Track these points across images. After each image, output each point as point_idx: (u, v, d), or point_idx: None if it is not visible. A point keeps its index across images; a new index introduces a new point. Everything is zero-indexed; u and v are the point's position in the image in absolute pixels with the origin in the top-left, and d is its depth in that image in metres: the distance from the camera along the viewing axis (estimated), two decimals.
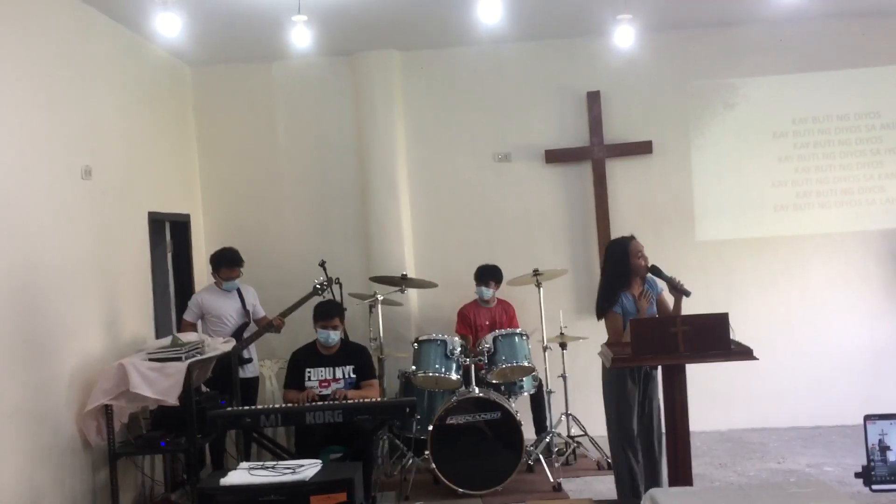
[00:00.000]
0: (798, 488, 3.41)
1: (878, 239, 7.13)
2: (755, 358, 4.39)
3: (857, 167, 7.16)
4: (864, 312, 7.13)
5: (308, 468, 4.40)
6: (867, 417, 2.40)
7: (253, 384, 6.28)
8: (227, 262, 6.23)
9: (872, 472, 2.40)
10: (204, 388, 5.97)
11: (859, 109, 7.14)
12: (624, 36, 6.04)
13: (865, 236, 7.14)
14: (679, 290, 4.97)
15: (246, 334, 6.24)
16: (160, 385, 4.97)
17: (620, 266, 5.05)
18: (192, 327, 6.28)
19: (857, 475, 2.47)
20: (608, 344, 4.98)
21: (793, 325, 7.15)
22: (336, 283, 6.48)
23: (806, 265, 7.20)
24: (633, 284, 5.08)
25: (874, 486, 2.45)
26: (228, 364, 6.06)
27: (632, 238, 5.14)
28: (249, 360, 6.25)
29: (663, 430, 4.81)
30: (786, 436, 6.84)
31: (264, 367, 6.72)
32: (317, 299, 6.06)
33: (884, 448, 2.38)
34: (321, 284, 6.24)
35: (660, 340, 4.39)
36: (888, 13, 6.99)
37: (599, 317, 5.11)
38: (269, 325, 6.24)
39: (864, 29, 7.07)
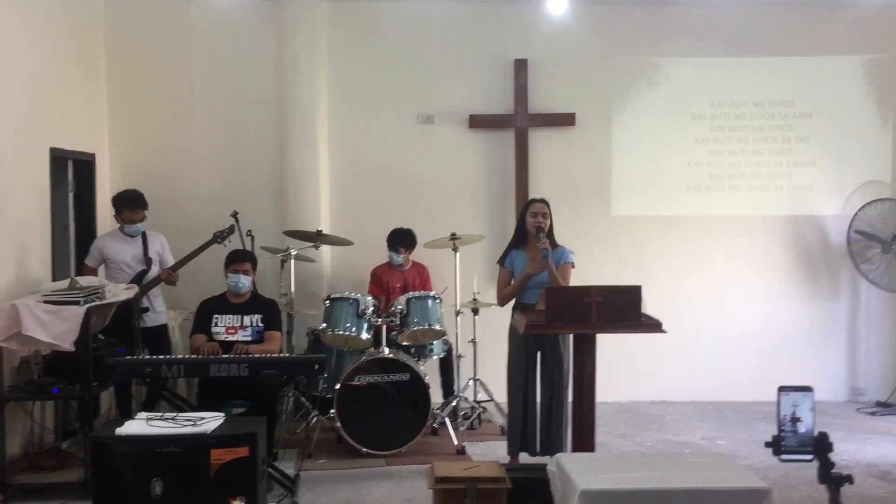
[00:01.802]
0: (698, 458, 3.51)
1: (782, 225, 7.38)
2: (664, 331, 4.48)
3: (769, 153, 7.37)
4: (764, 296, 7.39)
5: (210, 421, 4.28)
6: (781, 389, 2.45)
7: (158, 333, 5.99)
8: (128, 204, 5.93)
9: (782, 443, 2.45)
10: (100, 337, 5.75)
11: (775, 97, 7.34)
12: (556, 3, 6.01)
13: (771, 221, 7.38)
14: (540, 249, 5.10)
15: (145, 282, 5.97)
16: (55, 329, 4.73)
17: (519, 223, 5.41)
18: (94, 272, 6.00)
19: (767, 444, 2.52)
20: (521, 310, 5.02)
21: (696, 304, 7.35)
22: (248, 235, 6.29)
23: (713, 246, 7.40)
24: (533, 245, 5.27)
25: (783, 456, 2.51)
26: (129, 312, 5.82)
27: (538, 200, 5.41)
28: (146, 310, 5.96)
29: (570, 398, 4.92)
30: (683, 409, 7.06)
31: (170, 317, 6.46)
32: (217, 249, 5.85)
33: (795, 419, 2.43)
34: (221, 232, 6.00)
35: (573, 309, 4.42)
36: (810, 5, 7.19)
37: None
38: (157, 279, 5.94)
39: (786, 19, 7.26)
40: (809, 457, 2.53)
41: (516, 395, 5.30)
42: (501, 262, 5.42)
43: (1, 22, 5.23)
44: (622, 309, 4.45)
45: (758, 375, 7.27)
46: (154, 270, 5.99)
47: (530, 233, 5.29)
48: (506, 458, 5.42)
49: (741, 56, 7.31)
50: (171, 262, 6.08)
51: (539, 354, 5.29)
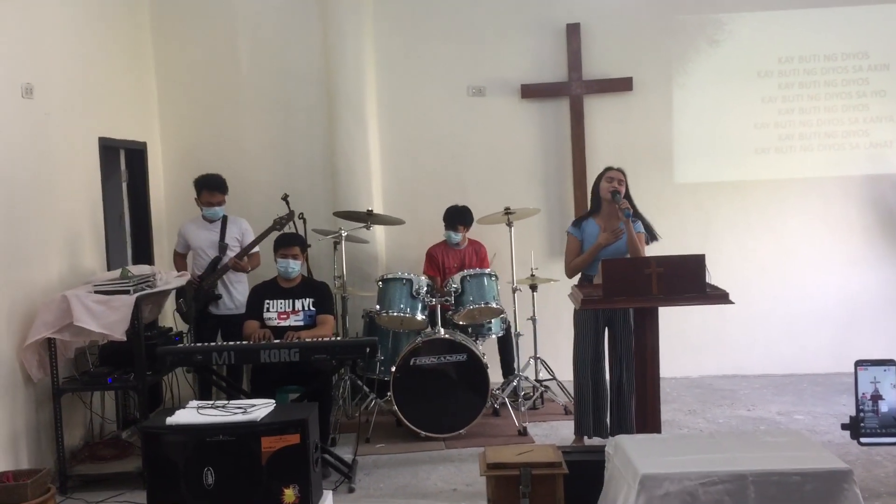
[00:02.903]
0: (771, 437, 3.24)
1: (860, 185, 6.94)
2: (731, 302, 4.20)
3: (842, 110, 6.93)
4: (841, 261, 6.99)
5: (260, 408, 4.18)
6: (858, 363, 2.19)
7: (234, 322, 5.79)
8: (206, 185, 5.87)
9: (862, 424, 2.18)
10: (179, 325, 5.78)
11: (847, 49, 6.88)
12: None
13: (847, 182, 6.95)
14: (620, 210, 4.86)
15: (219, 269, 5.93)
16: (106, 319, 4.71)
17: (594, 191, 5.14)
18: (182, 258, 6.07)
19: (844, 427, 2.27)
20: (578, 285, 4.80)
21: (768, 271, 6.99)
22: (300, 218, 6.18)
23: (784, 210, 7.02)
24: (605, 214, 5.04)
25: (863, 440, 2.23)
26: (205, 300, 5.81)
27: (615, 168, 5.13)
28: (219, 297, 5.91)
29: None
30: (756, 383, 6.73)
31: None
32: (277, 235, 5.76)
33: (875, 397, 2.17)
34: (281, 219, 5.90)
35: (632, 282, 4.18)
36: None
37: None
38: (225, 267, 5.85)
39: None
40: (894, 439, 2.25)
41: (584, 374, 5.06)
42: (571, 230, 5.16)
43: (47, 12, 5.20)
44: (685, 280, 4.17)
45: (836, 345, 6.90)
46: (229, 256, 5.93)
47: (605, 199, 5.03)
48: (570, 439, 5.23)
49: (809, 7, 6.87)
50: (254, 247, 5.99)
51: (607, 331, 5.05)
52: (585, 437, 5.11)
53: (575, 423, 5.18)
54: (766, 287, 6.94)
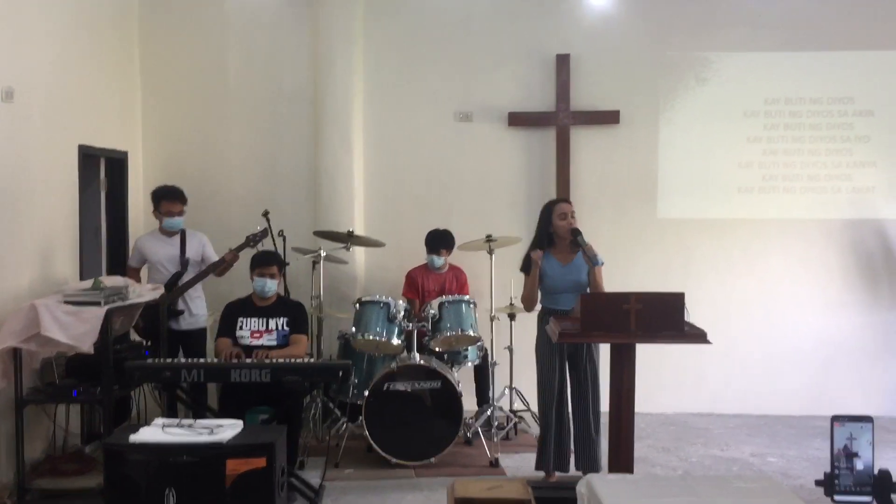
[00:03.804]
0: (743, 483, 3.20)
1: (841, 229, 6.97)
2: (708, 342, 4.17)
3: (826, 153, 6.96)
4: (821, 304, 6.99)
5: (227, 429, 4.11)
6: (835, 419, 2.14)
7: (195, 336, 5.80)
8: (165, 195, 5.75)
9: (836, 481, 2.13)
10: (137, 339, 5.64)
11: (833, 94, 6.93)
12: None
13: (829, 225, 6.97)
14: (589, 258, 4.87)
15: (181, 284, 5.82)
16: (74, 330, 4.60)
17: (543, 226, 5.13)
18: (136, 273, 5.91)
19: (819, 483, 2.22)
20: (556, 318, 4.76)
21: (747, 311, 6.98)
22: (279, 236, 6.11)
23: (766, 251, 7.02)
24: (561, 248, 5.07)
25: (837, 497, 2.19)
26: (167, 316, 5.71)
27: (562, 200, 5.24)
28: (181, 312, 5.82)
29: (603, 408, 4.64)
30: (731, 423, 6.70)
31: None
32: (250, 252, 5.68)
33: (850, 455, 2.12)
34: (254, 235, 5.81)
35: (611, 317, 4.14)
36: None
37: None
38: (220, 262, 5.72)
39: (843, 11, 6.86)
40: (868, 498, 2.21)
41: (549, 408, 5.03)
42: (525, 270, 5.13)
43: (32, 16, 5.14)
44: (663, 317, 4.14)
45: (812, 388, 6.91)
46: (190, 273, 5.83)
47: (560, 236, 5.03)
48: (541, 473, 5.16)
49: (797, 50, 6.91)
50: (214, 258, 5.87)
51: (568, 365, 5.03)
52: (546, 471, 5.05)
53: (536, 458, 5.12)
54: (745, 326, 6.94)
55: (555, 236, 5.06)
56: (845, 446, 2.12)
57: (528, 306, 5.16)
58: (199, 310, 5.86)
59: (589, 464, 4.96)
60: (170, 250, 5.80)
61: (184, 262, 5.80)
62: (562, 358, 4.99)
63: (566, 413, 5.05)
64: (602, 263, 4.92)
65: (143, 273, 5.99)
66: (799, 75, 6.93)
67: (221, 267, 5.76)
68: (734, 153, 6.98)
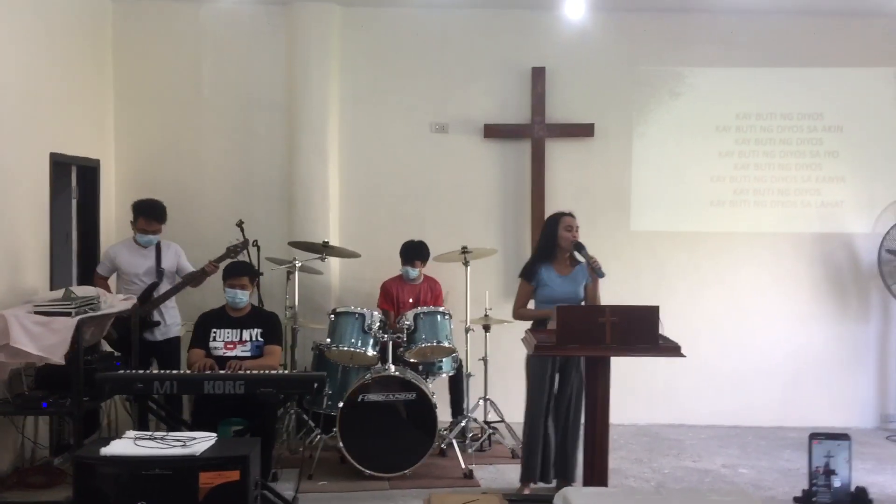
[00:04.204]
0: (717, 496, 3.23)
1: (810, 242, 7.07)
2: (682, 355, 4.22)
3: (796, 168, 7.07)
4: (790, 316, 7.08)
5: (200, 441, 4.08)
6: (813, 436, 2.18)
7: (170, 347, 5.72)
8: (146, 213, 5.67)
9: (814, 499, 2.16)
10: (108, 349, 5.57)
11: (803, 109, 7.04)
12: (574, 9, 5.79)
13: (798, 239, 7.07)
14: (594, 270, 4.92)
15: (157, 295, 5.77)
16: (45, 341, 4.54)
17: (548, 238, 5.12)
18: (104, 281, 5.82)
19: (797, 500, 2.24)
20: (532, 330, 4.78)
21: (718, 323, 7.05)
22: (253, 246, 6.07)
23: (737, 264, 7.10)
24: (560, 260, 5.09)
25: None
26: (139, 325, 5.64)
27: (567, 213, 5.17)
28: (157, 324, 5.76)
29: (582, 421, 4.67)
30: (703, 434, 6.76)
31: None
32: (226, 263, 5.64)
33: (828, 472, 2.15)
34: (235, 247, 5.78)
35: (586, 330, 4.17)
36: (840, 14, 6.89)
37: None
38: (200, 273, 5.68)
39: (815, 28, 6.97)
40: None
41: (537, 421, 4.99)
42: (526, 276, 5.13)
43: (4, 22, 5.07)
44: (639, 330, 4.19)
45: (782, 400, 7.00)
46: (165, 284, 5.78)
47: (563, 248, 5.06)
48: (515, 484, 5.17)
49: (768, 66, 7.02)
50: (189, 269, 5.83)
51: (558, 375, 5.04)
52: (531, 483, 5.06)
53: (522, 469, 5.12)
54: (716, 338, 7.01)
55: (557, 248, 5.07)
56: (825, 464, 2.14)
57: (518, 319, 5.17)
58: (172, 319, 5.82)
59: (566, 473, 4.97)
60: (145, 262, 5.74)
61: (159, 273, 5.75)
62: (553, 369, 4.99)
63: (551, 424, 5.04)
64: (604, 276, 4.93)
65: (111, 282, 5.91)
66: (770, 91, 7.03)
67: (199, 278, 5.71)
68: (706, 167, 7.07)
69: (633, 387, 6.51)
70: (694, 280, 7.07)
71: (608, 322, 4.15)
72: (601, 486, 4.25)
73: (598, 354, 4.24)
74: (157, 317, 5.73)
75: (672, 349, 4.21)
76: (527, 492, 5.04)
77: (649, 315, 4.18)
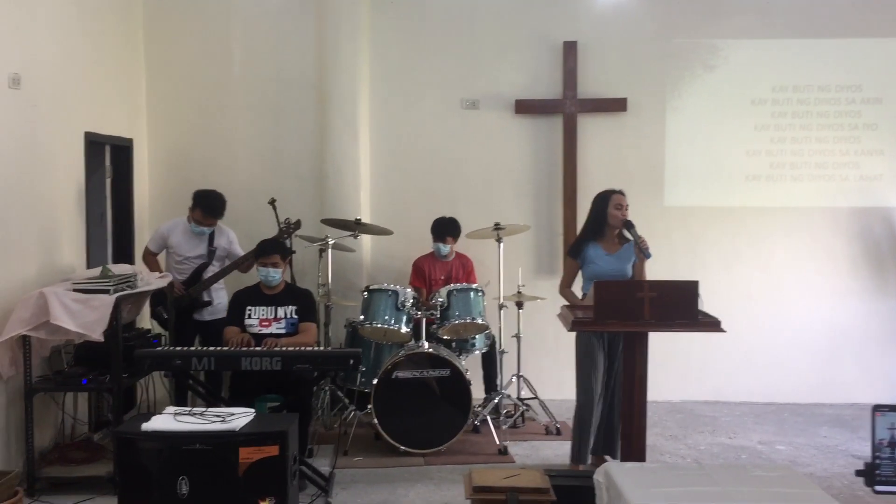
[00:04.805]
0: (761, 471, 3.19)
1: (848, 217, 6.95)
2: (723, 330, 4.17)
3: (834, 141, 6.94)
4: (827, 292, 6.98)
5: (239, 417, 4.10)
6: (876, 408, 2.12)
7: (217, 327, 5.68)
8: (205, 208, 5.72)
9: (877, 472, 2.11)
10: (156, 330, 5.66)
11: (841, 81, 6.89)
12: None
13: (836, 213, 6.96)
14: (641, 250, 4.84)
15: (207, 275, 5.82)
16: (84, 318, 4.58)
17: (598, 215, 5.03)
18: (154, 258, 5.93)
19: (859, 472, 2.20)
20: (568, 306, 4.74)
21: (754, 299, 6.97)
22: (285, 223, 6.06)
23: (773, 239, 7.01)
24: (609, 238, 5.01)
25: (878, 487, 2.17)
26: (189, 305, 5.71)
27: (617, 191, 5.07)
28: (208, 304, 5.82)
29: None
30: (737, 410, 6.70)
31: None
32: (254, 238, 5.66)
33: (893, 444, 2.10)
34: (287, 228, 5.82)
35: (625, 305, 4.13)
36: None
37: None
38: (247, 257, 5.72)
39: None
40: None
41: (589, 402, 4.87)
42: (573, 254, 5.07)
43: (35, 4, 5.09)
44: (677, 305, 4.13)
45: (819, 376, 6.92)
46: (215, 265, 5.84)
47: (612, 226, 4.98)
48: (549, 460, 5.16)
49: (805, 37, 6.88)
50: (240, 254, 5.89)
51: (605, 353, 4.94)
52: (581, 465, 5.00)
53: (573, 450, 4.99)
54: (751, 313, 6.92)
55: (606, 226, 5.00)
56: (890, 436, 2.10)
57: (562, 294, 5.07)
58: (220, 300, 5.88)
59: (610, 450, 4.94)
60: (197, 245, 5.83)
61: (210, 253, 5.84)
62: (603, 347, 4.90)
63: (601, 404, 4.95)
64: (651, 256, 4.86)
65: (160, 259, 6.01)
66: (807, 63, 6.90)
67: (247, 263, 5.75)
68: (742, 141, 6.96)
69: (667, 363, 6.45)
70: (729, 256, 6.98)
71: (647, 297, 4.10)
72: (638, 459, 4.23)
73: (637, 330, 4.20)
74: (206, 297, 5.80)
75: (712, 324, 4.16)
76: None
77: (689, 290, 4.13)
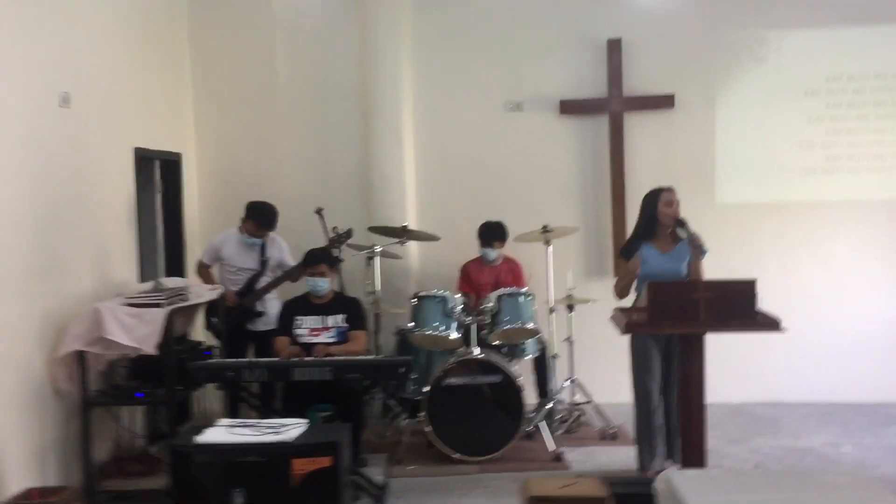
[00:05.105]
0: (831, 477, 3.06)
1: None
2: (782, 329, 4.03)
3: (893, 131, 6.70)
4: (888, 287, 6.74)
5: (292, 428, 4.10)
6: None
7: (268, 337, 5.72)
8: (258, 220, 5.80)
9: None
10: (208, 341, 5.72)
11: None
12: None
13: None
14: (695, 247, 4.71)
15: (260, 286, 5.87)
16: (137, 332, 4.63)
17: (648, 214, 4.91)
18: (207, 270, 6.02)
19: None
20: (622, 308, 4.64)
21: (813, 297, 6.76)
22: (333, 233, 6.04)
23: (831, 234, 6.80)
24: (661, 237, 4.88)
25: None
26: (243, 316, 5.76)
27: (667, 188, 4.94)
28: (261, 314, 5.87)
29: None
30: (800, 412, 6.50)
31: None
32: (302, 247, 5.68)
33: None
34: (338, 237, 5.83)
35: (679, 306, 4.03)
36: None
37: None
38: (299, 269, 5.76)
39: None
40: None
41: (648, 409, 4.76)
42: (625, 255, 4.96)
43: (84, 20, 5.17)
44: (735, 305, 4.03)
45: (884, 374, 6.67)
46: (267, 275, 5.89)
47: (663, 225, 4.86)
48: (605, 467, 5.06)
49: (859, 25, 6.65)
50: (290, 263, 5.92)
51: (661, 357, 4.81)
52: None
53: (639, 460, 4.87)
54: (810, 311, 6.69)
55: (657, 225, 4.88)
56: None
57: (621, 294, 4.95)
58: (274, 310, 5.88)
59: (668, 454, 4.81)
60: (250, 256, 5.90)
61: (263, 263, 5.88)
62: (659, 350, 4.77)
63: (661, 409, 4.84)
64: (707, 252, 4.74)
65: (214, 270, 6.08)
66: (861, 51, 6.68)
67: (297, 273, 5.77)
68: (795, 134, 6.76)
69: (725, 364, 6.25)
70: (785, 252, 6.79)
71: (702, 298, 4.00)
72: (699, 466, 4.12)
73: (693, 331, 4.09)
74: (260, 307, 5.83)
75: (771, 324, 4.04)
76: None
77: (746, 289, 4.02)
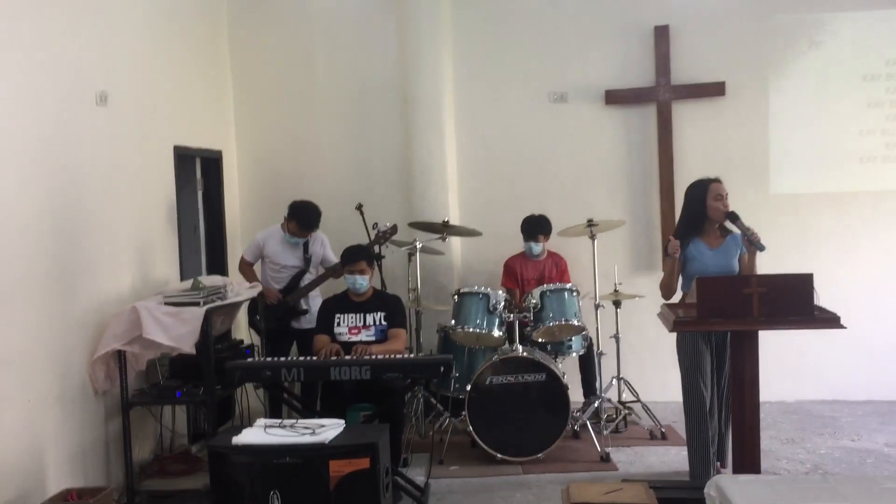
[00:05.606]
0: (894, 483, 2.86)
1: None
2: (843, 326, 3.82)
3: None
4: None
5: (329, 429, 4.01)
6: None
7: (310, 335, 5.64)
8: (300, 220, 5.75)
9: None
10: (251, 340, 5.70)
11: None
12: None
13: None
14: (752, 243, 4.43)
15: (304, 283, 5.83)
16: (175, 331, 4.58)
17: (695, 208, 4.61)
18: (250, 267, 5.99)
19: None
20: (669, 304, 4.45)
21: (873, 290, 6.47)
22: (374, 229, 5.94)
23: (892, 224, 6.50)
24: (709, 232, 4.61)
25: None
26: (287, 314, 5.74)
27: (714, 179, 4.65)
28: (305, 312, 5.83)
29: None
30: (859, 410, 6.23)
31: None
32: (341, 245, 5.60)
33: None
34: (383, 233, 5.78)
35: (731, 302, 3.83)
36: None
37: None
38: (317, 281, 5.81)
39: None
40: None
41: (700, 417, 4.44)
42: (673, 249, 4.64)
43: (122, 19, 5.16)
44: (790, 301, 3.82)
45: None
46: (311, 273, 5.86)
47: (712, 219, 4.58)
48: (654, 468, 4.88)
49: None
50: (333, 260, 5.87)
51: (712, 356, 4.53)
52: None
53: (691, 466, 4.57)
54: (870, 305, 6.42)
55: (705, 219, 4.61)
56: None
57: (666, 294, 4.66)
58: (317, 308, 5.78)
59: (719, 456, 4.59)
60: (293, 254, 5.86)
61: (307, 261, 5.85)
62: (710, 349, 4.49)
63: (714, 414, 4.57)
64: (765, 249, 4.46)
65: (256, 267, 6.04)
66: None
67: (339, 270, 5.71)
68: (853, 120, 6.47)
69: (780, 360, 6.04)
70: (844, 244, 6.51)
71: (755, 293, 3.79)
72: (753, 470, 3.93)
73: (746, 328, 3.89)
74: (304, 305, 5.80)
75: (830, 321, 3.82)
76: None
77: (803, 284, 3.80)
